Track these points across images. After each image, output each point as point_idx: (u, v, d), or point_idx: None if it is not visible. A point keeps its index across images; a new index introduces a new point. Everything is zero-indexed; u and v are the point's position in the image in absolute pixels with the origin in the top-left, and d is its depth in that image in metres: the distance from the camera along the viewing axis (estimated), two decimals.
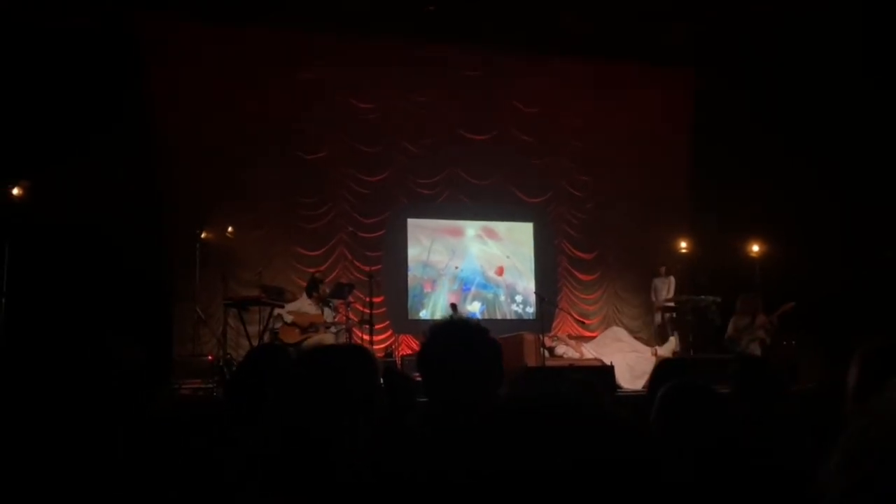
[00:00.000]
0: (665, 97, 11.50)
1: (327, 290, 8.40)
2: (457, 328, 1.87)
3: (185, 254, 9.14)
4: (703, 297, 9.66)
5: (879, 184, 8.87)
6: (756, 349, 8.18)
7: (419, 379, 1.92)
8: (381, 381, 1.97)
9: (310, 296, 8.03)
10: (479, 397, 1.70)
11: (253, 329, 8.28)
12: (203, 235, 9.13)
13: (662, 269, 10.82)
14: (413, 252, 10.90)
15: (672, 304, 10.29)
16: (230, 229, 9.53)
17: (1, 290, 7.40)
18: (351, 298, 8.83)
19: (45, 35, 8.64)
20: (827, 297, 8.61)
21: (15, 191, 7.78)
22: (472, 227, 11.29)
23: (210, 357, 8.44)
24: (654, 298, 10.83)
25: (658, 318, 10.82)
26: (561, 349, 9.70)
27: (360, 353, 1.91)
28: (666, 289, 10.65)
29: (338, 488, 1.30)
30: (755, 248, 10.50)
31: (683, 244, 11.20)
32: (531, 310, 11.09)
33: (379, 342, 9.77)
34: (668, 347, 9.79)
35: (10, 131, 8.12)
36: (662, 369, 3.14)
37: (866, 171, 9.06)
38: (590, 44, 10.39)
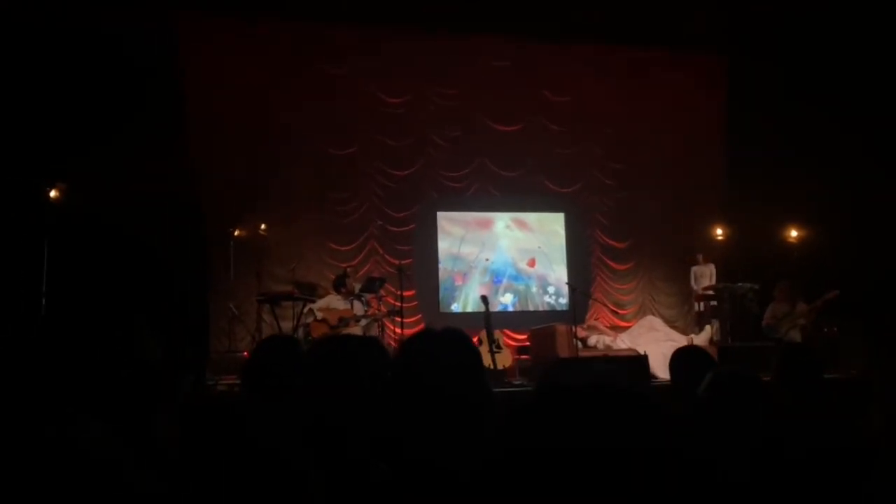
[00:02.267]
0: (698, 82, 11.29)
1: (355, 285, 8.40)
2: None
3: (219, 251, 9.26)
4: (740, 284, 9.47)
5: None
6: (796, 336, 8.02)
7: None
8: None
9: (338, 291, 8.04)
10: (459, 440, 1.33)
11: (286, 325, 8.37)
12: (236, 233, 9.23)
13: (700, 257, 10.67)
14: (443, 245, 10.88)
15: (711, 291, 10.11)
16: (263, 226, 9.61)
17: (40, 290, 7.56)
18: (382, 292, 8.83)
19: (80, 35, 8.77)
20: (870, 283, 8.37)
21: (52, 193, 7.92)
22: (502, 219, 11.22)
23: (245, 353, 8.52)
24: (693, 286, 10.66)
25: (697, 306, 10.65)
26: (594, 339, 9.60)
27: (370, 342, 1.88)
28: (707, 276, 10.48)
29: (354, 477, 1.28)
30: (793, 233, 10.27)
31: (719, 231, 11.01)
32: (564, 301, 10.99)
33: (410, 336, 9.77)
34: (704, 336, 9.62)
35: (46, 133, 8.28)
36: (682, 358, 3.15)
37: None
38: (619, 31, 10.24)
